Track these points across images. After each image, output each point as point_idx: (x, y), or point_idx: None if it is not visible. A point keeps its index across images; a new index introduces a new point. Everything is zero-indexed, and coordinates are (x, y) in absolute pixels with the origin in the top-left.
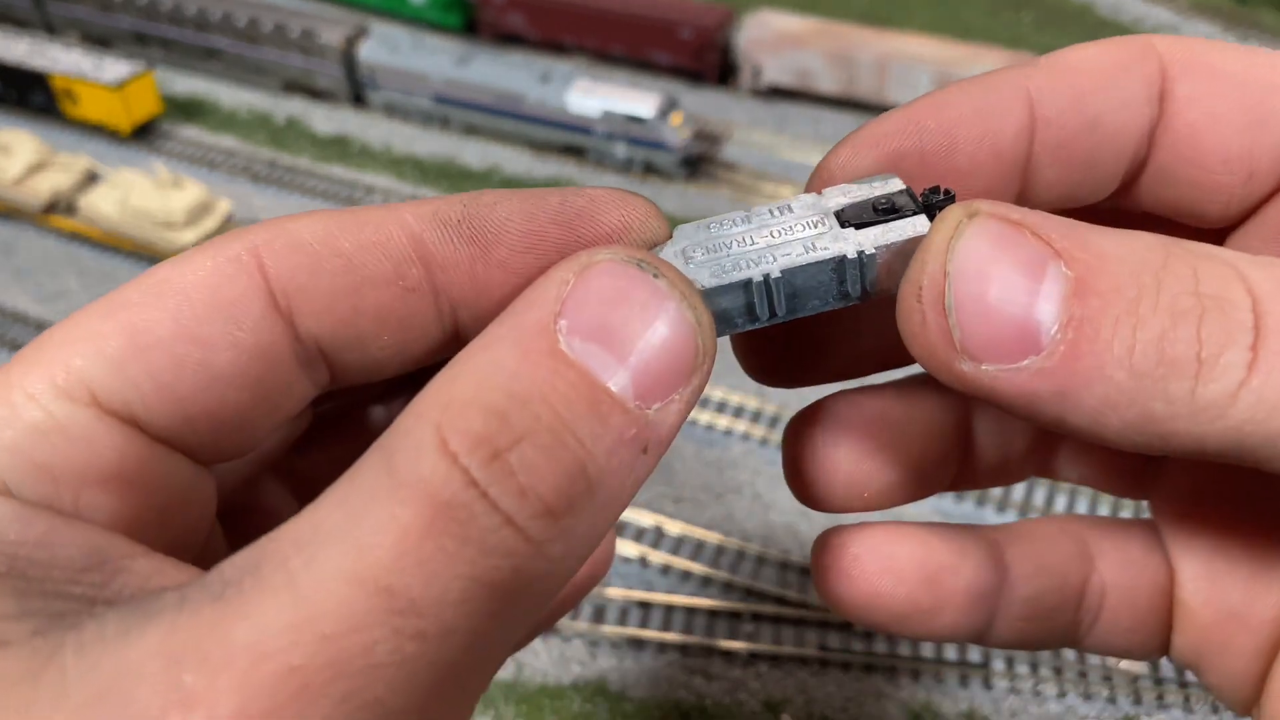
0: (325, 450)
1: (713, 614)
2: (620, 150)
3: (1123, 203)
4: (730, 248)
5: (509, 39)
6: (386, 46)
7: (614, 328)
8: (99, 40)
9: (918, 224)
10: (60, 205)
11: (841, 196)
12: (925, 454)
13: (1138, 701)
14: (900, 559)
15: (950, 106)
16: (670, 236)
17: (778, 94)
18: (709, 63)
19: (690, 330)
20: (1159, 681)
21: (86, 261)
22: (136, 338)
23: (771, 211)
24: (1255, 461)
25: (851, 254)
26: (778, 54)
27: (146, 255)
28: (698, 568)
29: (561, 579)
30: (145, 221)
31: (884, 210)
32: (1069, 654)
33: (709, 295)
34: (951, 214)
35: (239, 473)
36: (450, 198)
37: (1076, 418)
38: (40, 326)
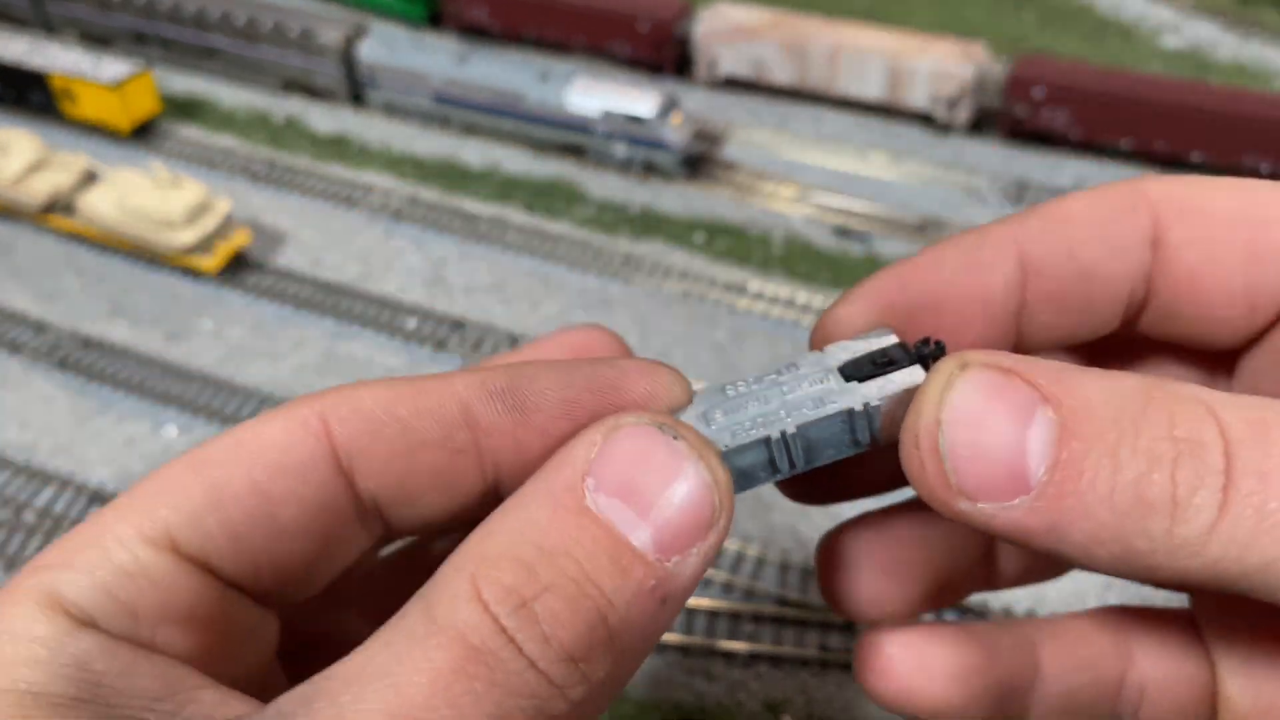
0: (391, 580)
1: (713, 615)
2: (620, 150)
3: (1129, 333)
4: (747, 408)
5: (472, 31)
6: (386, 46)
7: (637, 486)
8: (98, 39)
9: (914, 374)
10: (59, 205)
11: (842, 353)
12: (947, 570)
13: None
14: (932, 660)
15: (941, 264)
16: (692, 400)
17: (733, 85)
18: (667, 55)
19: (708, 488)
20: None
21: (85, 261)
22: (214, 492)
23: (780, 372)
24: (1238, 592)
25: (858, 407)
26: (733, 45)
27: (145, 255)
28: None
29: (589, 714)
30: (144, 221)
31: (882, 364)
32: None
33: (730, 455)
34: (944, 366)
35: (304, 609)
36: (496, 369)
37: (1069, 549)
38: (39, 326)
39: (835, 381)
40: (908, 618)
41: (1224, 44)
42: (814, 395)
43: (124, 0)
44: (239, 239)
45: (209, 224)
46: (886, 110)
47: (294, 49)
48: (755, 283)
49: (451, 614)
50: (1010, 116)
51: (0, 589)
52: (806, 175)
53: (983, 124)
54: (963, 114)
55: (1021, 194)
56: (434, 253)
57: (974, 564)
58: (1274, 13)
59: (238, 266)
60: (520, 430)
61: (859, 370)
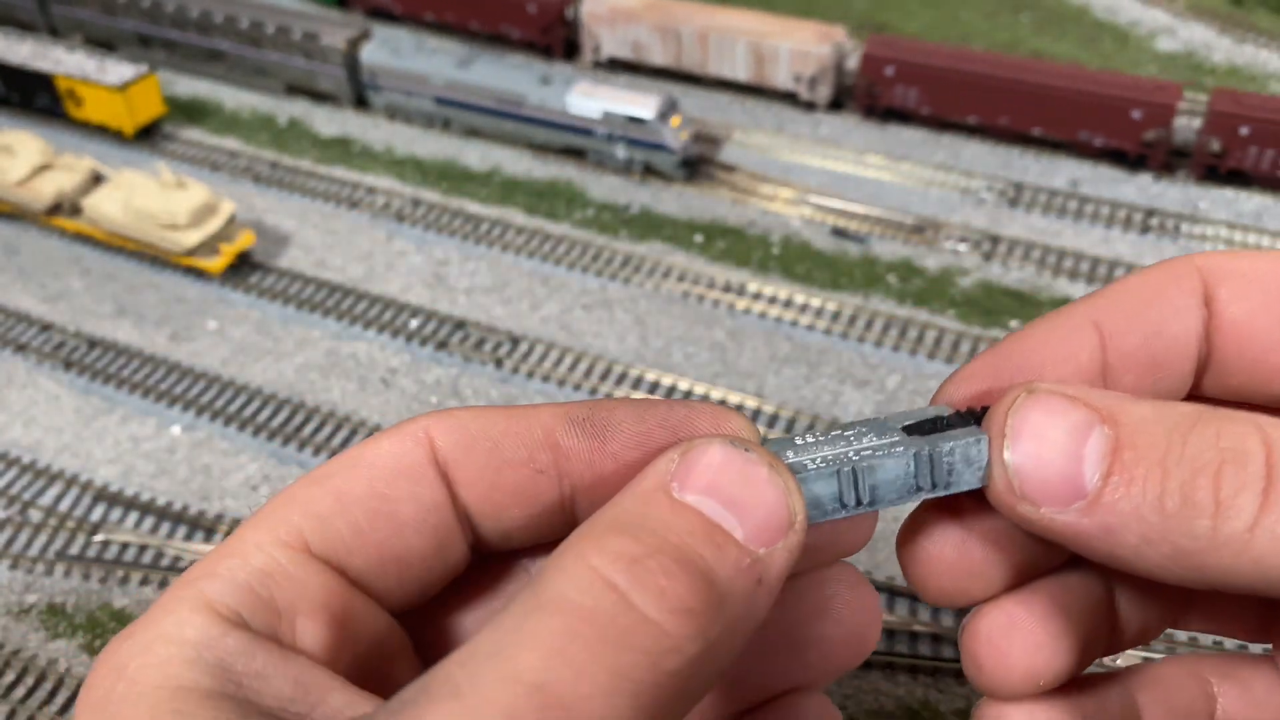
0: (498, 593)
1: None
2: (620, 151)
3: (1203, 398)
4: (818, 451)
5: (378, 13)
6: (388, 49)
7: (719, 485)
8: (103, 43)
9: (971, 431)
10: (64, 206)
11: (902, 419)
12: (1086, 637)
13: None
14: (1058, 713)
15: (1030, 340)
16: (761, 443)
17: (617, 66)
18: (556, 37)
19: (782, 492)
20: None
21: (90, 262)
22: (338, 498)
23: (845, 429)
24: None
25: (925, 452)
26: (614, 28)
27: (150, 256)
28: None
29: (699, 682)
30: (149, 223)
31: (942, 426)
32: None
33: (804, 481)
34: (1013, 391)
35: (425, 619)
36: (579, 402)
37: (1122, 552)
38: (45, 327)
39: (900, 436)
40: (1050, 688)
41: (1218, 47)
42: (880, 445)
43: (129, 4)
44: (243, 240)
45: (213, 225)
46: (755, 90)
47: (297, 52)
48: (754, 283)
49: (559, 587)
50: (866, 95)
51: (158, 601)
52: (804, 177)
53: (843, 102)
54: (824, 92)
55: (1018, 196)
56: (436, 253)
57: (1102, 629)
58: (1267, 15)
59: (242, 267)
60: (597, 456)
61: (922, 429)
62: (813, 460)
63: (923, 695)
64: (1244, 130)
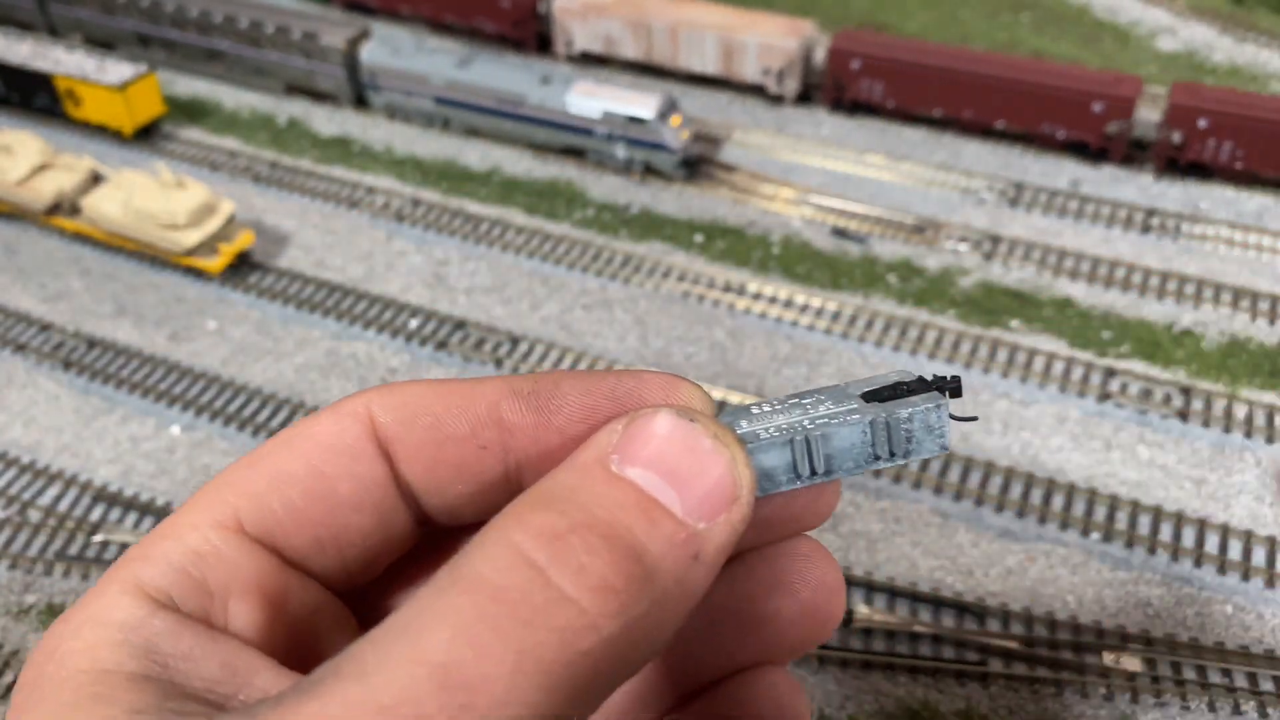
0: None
1: None
2: (620, 151)
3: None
4: (772, 420)
5: (354, 7)
6: (388, 49)
7: (660, 457)
8: (102, 42)
9: (933, 398)
10: (64, 206)
11: (862, 385)
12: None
13: (1134, 699)
14: None
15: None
16: (716, 414)
17: (589, 59)
18: (528, 31)
19: (729, 463)
20: (1156, 679)
21: (90, 262)
22: (275, 477)
23: (802, 396)
24: None
25: (882, 418)
26: (585, 22)
27: (150, 256)
28: None
29: (622, 663)
30: (149, 222)
31: (903, 392)
32: (1065, 653)
33: (755, 451)
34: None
35: (370, 599)
36: (524, 376)
37: None
38: (44, 327)
39: (857, 404)
40: None
41: (1219, 46)
42: (838, 413)
43: (128, 4)
44: (243, 240)
45: (213, 225)
46: (724, 83)
47: (297, 52)
48: (754, 283)
49: (476, 563)
50: (833, 88)
51: (95, 584)
52: (805, 176)
53: (812, 96)
54: (791, 86)
55: (1018, 196)
56: (436, 253)
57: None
58: (1269, 15)
59: (241, 267)
60: (542, 431)
61: (879, 396)
62: (766, 430)
63: (923, 696)
64: (1203, 123)
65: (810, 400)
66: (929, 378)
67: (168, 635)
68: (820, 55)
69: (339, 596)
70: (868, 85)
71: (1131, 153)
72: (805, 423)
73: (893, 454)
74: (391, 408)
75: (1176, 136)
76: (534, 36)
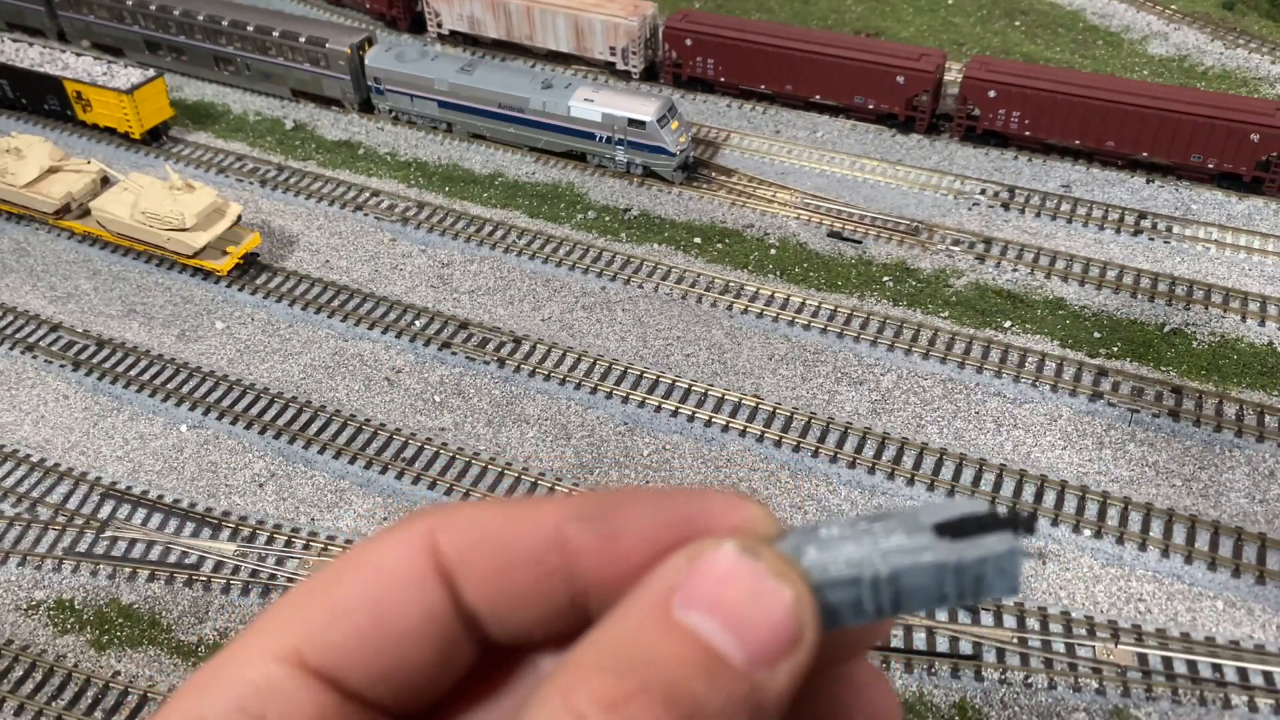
0: (501, 695)
1: None
2: (620, 154)
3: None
4: (841, 549)
5: None
6: (393, 54)
7: (722, 601)
8: (110, 48)
9: (1005, 539)
10: (73, 208)
11: (937, 513)
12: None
13: (1126, 693)
14: None
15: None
16: (781, 535)
17: (457, 38)
18: (402, 11)
19: (791, 605)
20: (1147, 674)
21: (99, 263)
22: (336, 608)
23: (873, 521)
24: None
25: (951, 561)
26: (451, 4)
27: (158, 257)
28: None
29: None
30: (157, 225)
31: (974, 528)
32: (1059, 645)
33: (822, 587)
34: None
35: (434, 715)
36: (589, 496)
37: None
38: (54, 327)
39: (928, 538)
40: None
41: (1210, 51)
42: (908, 546)
43: (137, 9)
44: (250, 242)
45: (221, 227)
46: (577, 59)
47: (303, 57)
48: (752, 284)
49: None
50: (672, 65)
51: (154, 714)
52: (802, 180)
53: (656, 73)
54: (637, 62)
55: (1011, 199)
56: (440, 255)
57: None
58: (1259, 20)
59: (249, 268)
60: (608, 555)
61: (952, 530)
62: (834, 562)
63: (918, 689)
64: (992, 94)
65: (881, 527)
66: (1002, 513)
67: None
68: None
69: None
70: (701, 62)
71: (937, 123)
72: (875, 558)
73: (961, 594)
74: (457, 532)
75: (972, 108)
76: (408, 16)
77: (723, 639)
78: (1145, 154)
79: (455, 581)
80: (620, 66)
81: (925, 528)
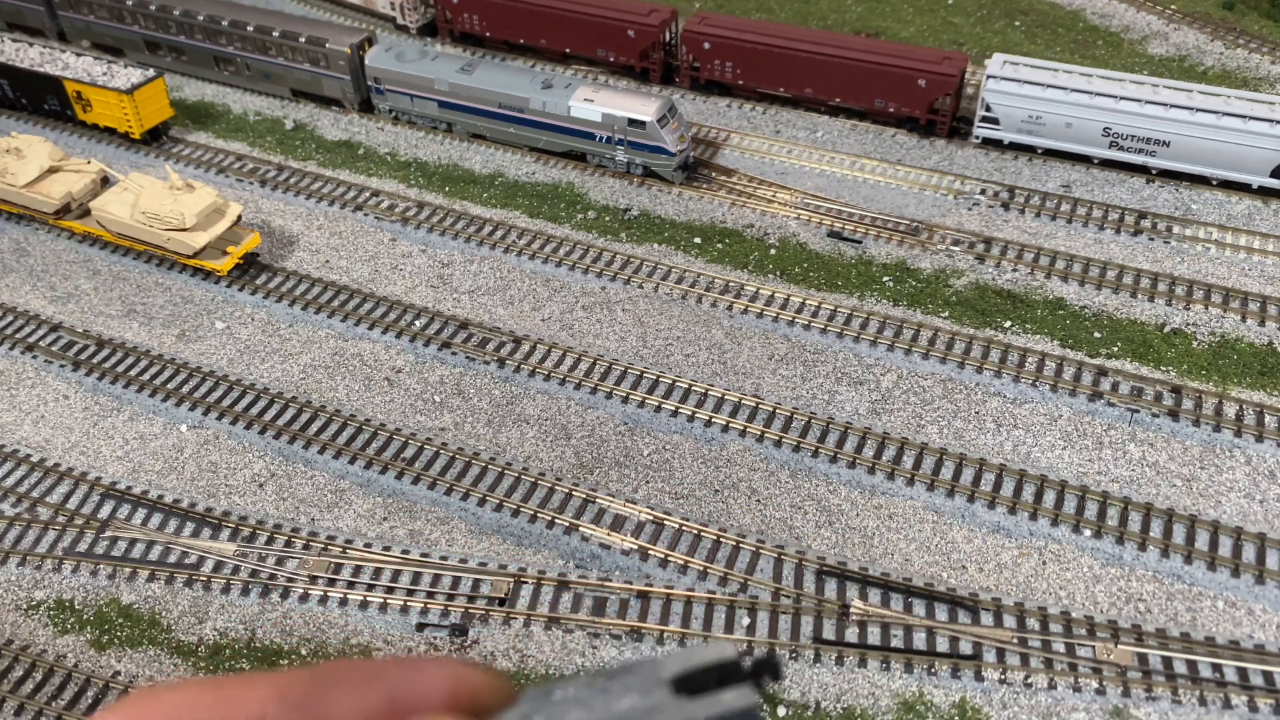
0: None
1: (710, 605)
2: (620, 154)
3: None
4: (570, 713)
5: None
6: (393, 54)
7: None
8: (110, 48)
9: (744, 695)
10: (73, 208)
11: (678, 661)
12: None
13: (1126, 693)
14: None
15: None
16: (514, 702)
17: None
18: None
19: None
20: (1147, 674)
21: (99, 263)
22: None
23: (610, 677)
24: None
25: None
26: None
27: (158, 257)
28: (696, 561)
29: None
30: (157, 225)
31: (716, 680)
32: (1059, 646)
33: None
34: None
35: None
36: (298, 675)
37: None
38: (54, 327)
39: (664, 694)
40: None
41: (1210, 51)
42: (640, 708)
43: (137, 9)
44: (250, 242)
45: (221, 227)
46: (363, 13)
47: (303, 58)
48: (752, 284)
49: None
50: (689, 69)
51: None
52: (801, 180)
53: (436, 31)
54: (415, 18)
55: (1011, 199)
56: (440, 255)
57: None
58: (1259, 20)
59: (249, 268)
60: None
61: (690, 685)
62: None
63: (918, 689)
64: (706, 46)
65: (620, 685)
66: (747, 662)
67: None
68: None
69: None
70: (467, 19)
71: (669, 75)
72: None
73: None
74: (151, 717)
75: (693, 59)
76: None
77: None
78: (839, 100)
79: None
80: (400, 21)
81: (663, 683)
